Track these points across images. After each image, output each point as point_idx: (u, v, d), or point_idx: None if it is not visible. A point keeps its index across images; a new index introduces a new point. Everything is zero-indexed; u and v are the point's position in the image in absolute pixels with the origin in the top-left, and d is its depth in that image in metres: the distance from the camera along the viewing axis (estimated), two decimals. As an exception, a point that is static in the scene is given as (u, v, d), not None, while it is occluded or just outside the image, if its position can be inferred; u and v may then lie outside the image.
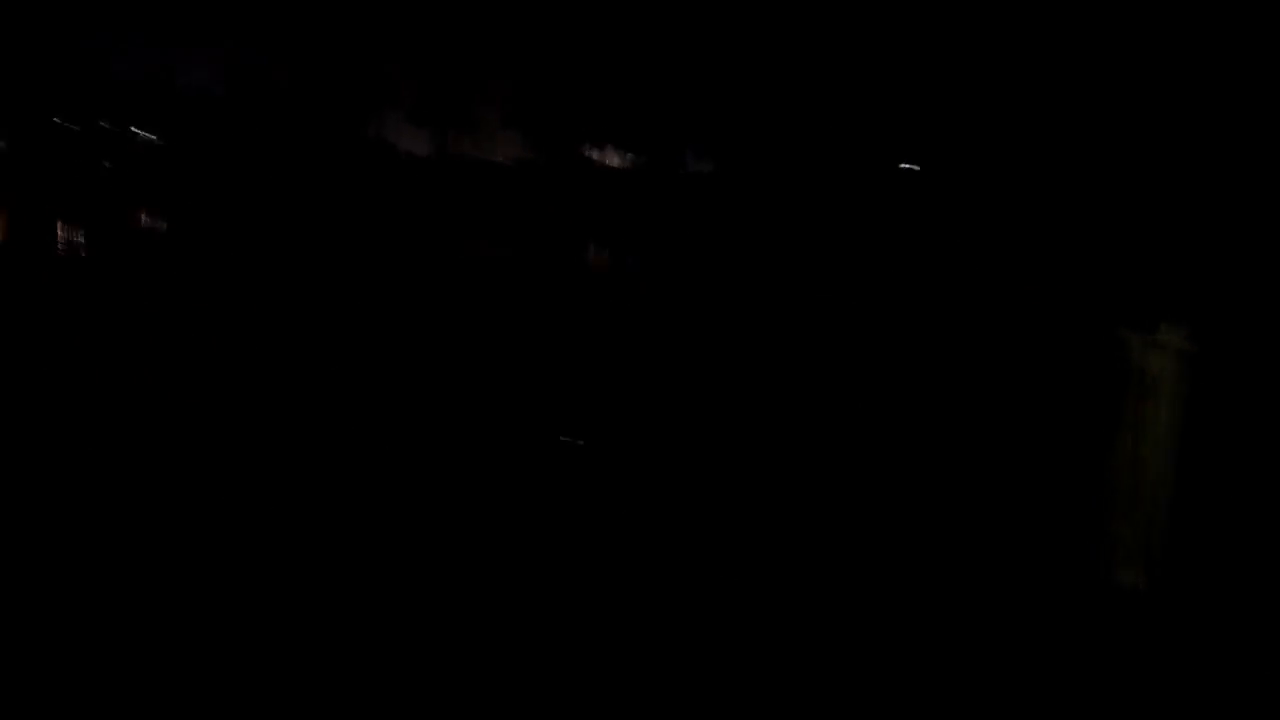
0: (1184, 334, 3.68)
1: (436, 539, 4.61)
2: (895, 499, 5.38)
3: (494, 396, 7.96)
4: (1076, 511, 4.88)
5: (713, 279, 21.35)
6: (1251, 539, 3.81)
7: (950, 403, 8.30)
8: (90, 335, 10.02)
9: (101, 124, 71.04)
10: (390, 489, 5.35)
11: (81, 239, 23.48)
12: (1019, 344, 12.31)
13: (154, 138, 71.65)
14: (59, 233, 24.71)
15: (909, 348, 11.78)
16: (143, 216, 33.69)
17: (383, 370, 8.88)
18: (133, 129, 72.62)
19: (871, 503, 5.32)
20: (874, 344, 12.16)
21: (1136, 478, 3.81)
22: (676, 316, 14.33)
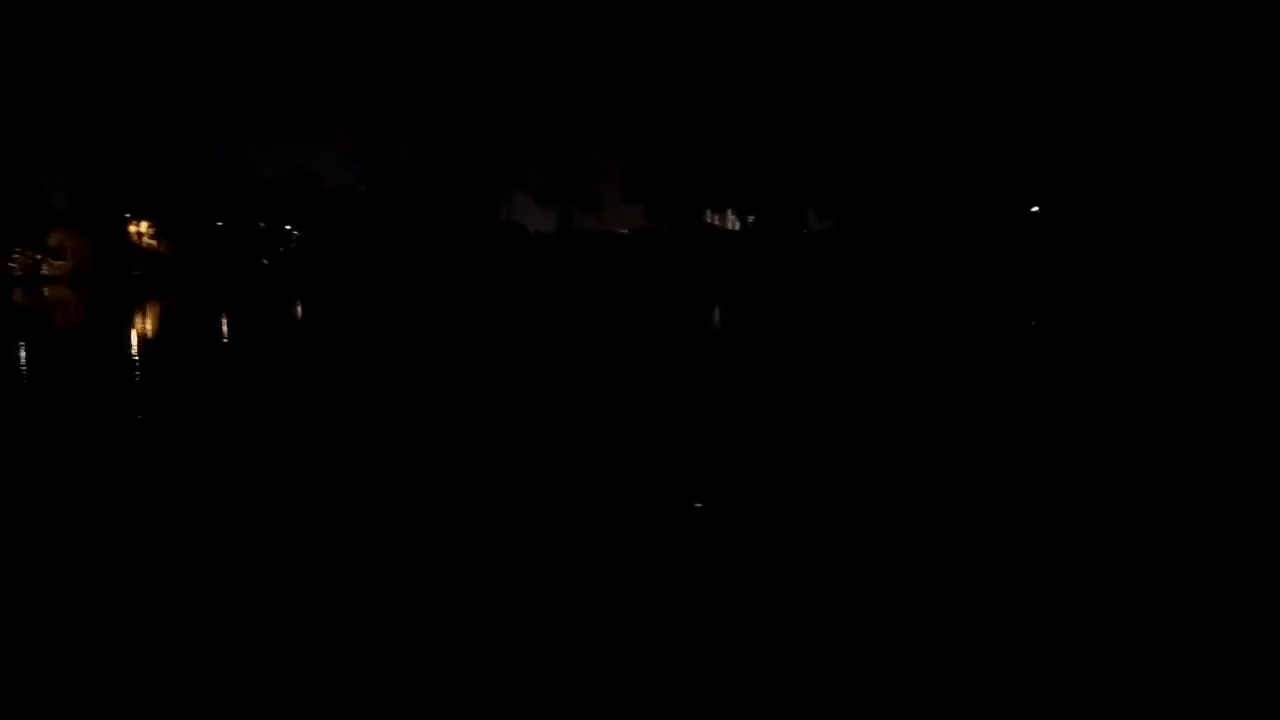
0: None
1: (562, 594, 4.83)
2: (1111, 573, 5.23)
3: (623, 461, 8.19)
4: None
5: (838, 337, 21.26)
6: None
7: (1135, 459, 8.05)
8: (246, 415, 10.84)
9: (256, 223, 75.75)
10: (519, 547, 5.61)
11: (226, 326, 25.49)
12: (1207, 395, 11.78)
13: (296, 232, 76.18)
14: (221, 322, 26.81)
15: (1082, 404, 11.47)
16: (295, 307, 36.21)
17: (519, 440, 9.27)
18: (285, 227, 77.12)
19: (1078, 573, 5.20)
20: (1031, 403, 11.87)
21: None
22: (803, 377, 14.35)
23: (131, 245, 70.50)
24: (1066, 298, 31.49)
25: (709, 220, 73.71)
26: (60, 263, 67.02)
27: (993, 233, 52.36)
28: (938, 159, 56.80)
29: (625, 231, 71.41)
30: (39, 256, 66.94)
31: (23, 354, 19.57)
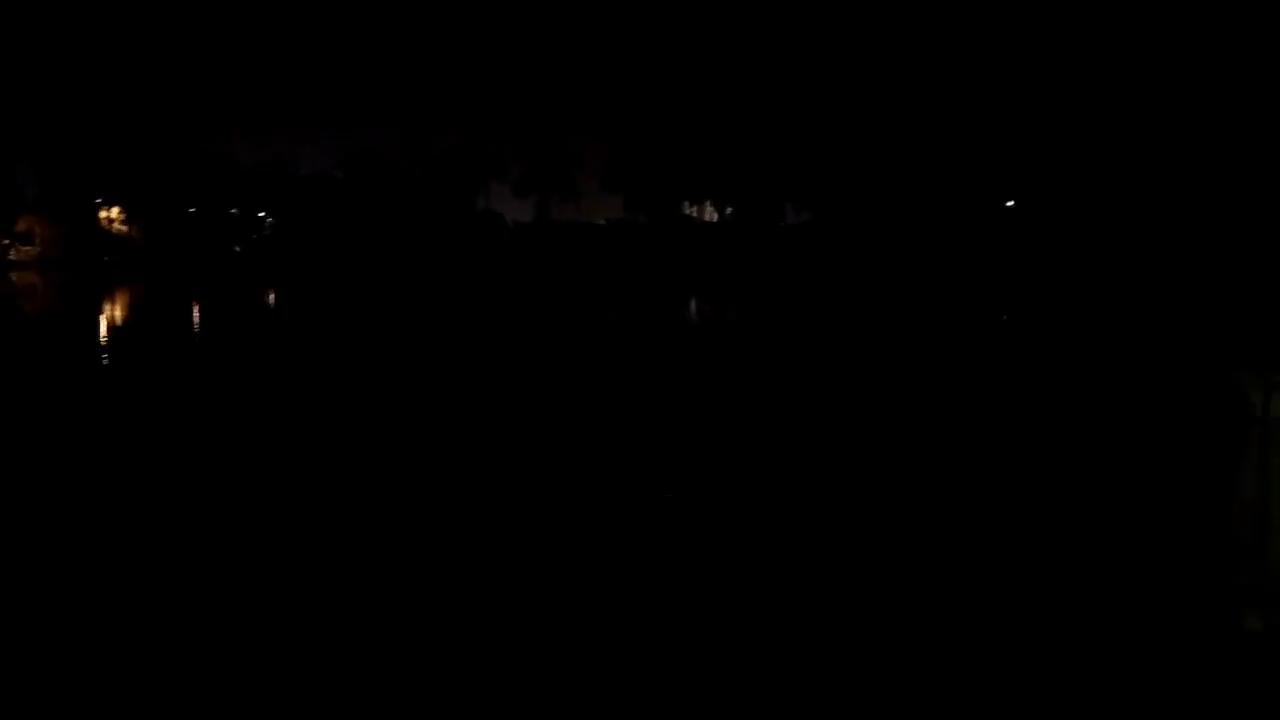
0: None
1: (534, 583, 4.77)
2: (1018, 542, 5.29)
3: (593, 450, 8.14)
4: (1201, 555, 4.72)
5: (813, 328, 21.31)
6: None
7: (1073, 447, 8.10)
8: (206, 409, 10.68)
9: (230, 210, 74.95)
10: (493, 537, 5.55)
11: (197, 315, 25.07)
12: (1141, 385, 11.88)
13: (270, 220, 75.56)
14: (193, 312, 26.46)
15: (1028, 395, 11.51)
16: (268, 294, 35.86)
17: (490, 429, 9.20)
18: (259, 214, 76.41)
19: (994, 549, 5.24)
20: (990, 393, 11.92)
21: (1259, 522, 3.69)
22: (779, 366, 14.36)
23: (102, 231, 69.50)
24: (1040, 292, 31.77)
25: (687, 212, 73.72)
26: (28, 249, 65.97)
27: (968, 227, 52.76)
28: (915, 153, 57.15)
29: (603, 222, 71.25)
30: (6, 242, 65.88)
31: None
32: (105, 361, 16.12)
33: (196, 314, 27.82)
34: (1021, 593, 4.67)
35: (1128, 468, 7.27)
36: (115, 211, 70.35)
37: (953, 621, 4.35)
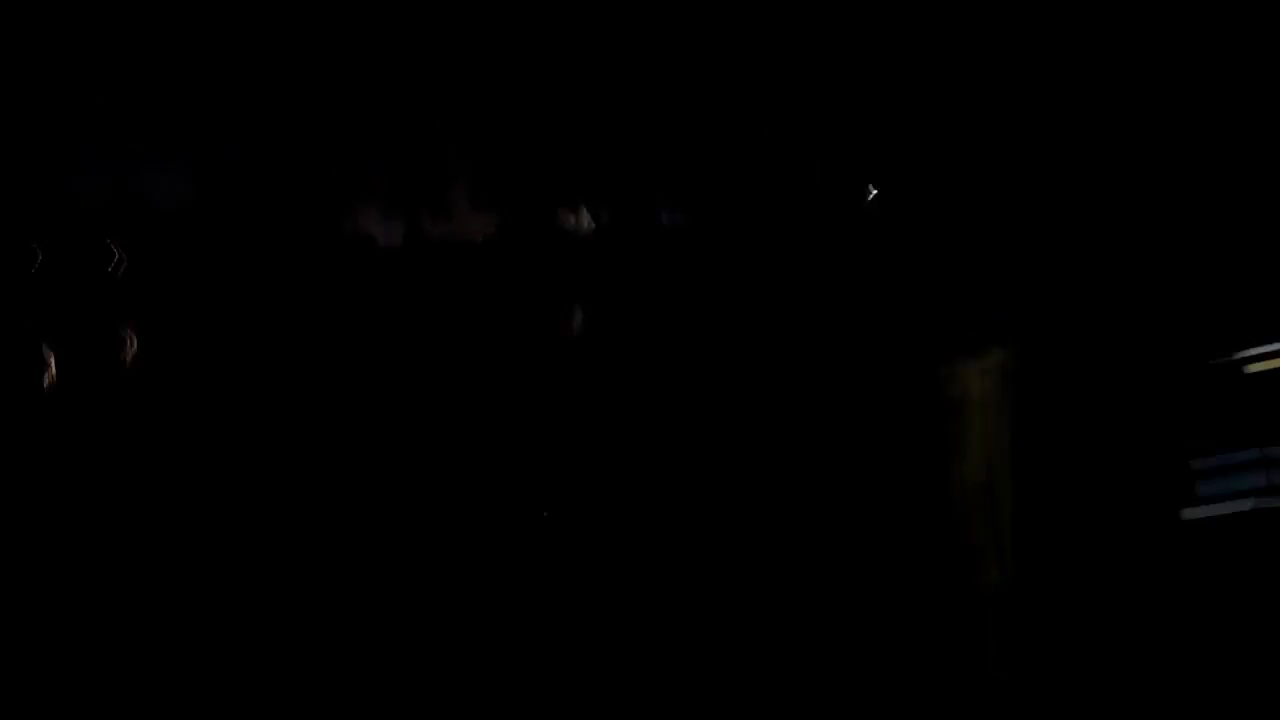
0: (1006, 354, 4.08)
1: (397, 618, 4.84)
2: (758, 521, 5.46)
3: (465, 471, 8.18)
4: (933, 523, 5.19)
5: (688, 338, 21.60)
6: (1080, 535, 4.16)
7: (805, 427, 8.38)
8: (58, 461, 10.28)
9: (67, 241, 71.59)
10: (359, 568, 5.58)
11: (50, 361, 23.69)
12: (857, 366, 12.55)
13: (118, 252, 72.44)
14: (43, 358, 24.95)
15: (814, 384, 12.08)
16: (119, 334, 33.97)
17: (365, 468, 9.13)
18: (101, 243, 73.18)
19: (748, 527, 5.47)
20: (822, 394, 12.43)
21: (980, 489, 4.20)
22: (652, 380, 14.65)
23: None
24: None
25: (563, 220, 73.73)
26: None
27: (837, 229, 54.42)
28: (796, 155, 58.58)
29: (477, 239, 70.67)
30: None
31: None
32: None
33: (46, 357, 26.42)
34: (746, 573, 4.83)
35: (856, 456, 7.52)
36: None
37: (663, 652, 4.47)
